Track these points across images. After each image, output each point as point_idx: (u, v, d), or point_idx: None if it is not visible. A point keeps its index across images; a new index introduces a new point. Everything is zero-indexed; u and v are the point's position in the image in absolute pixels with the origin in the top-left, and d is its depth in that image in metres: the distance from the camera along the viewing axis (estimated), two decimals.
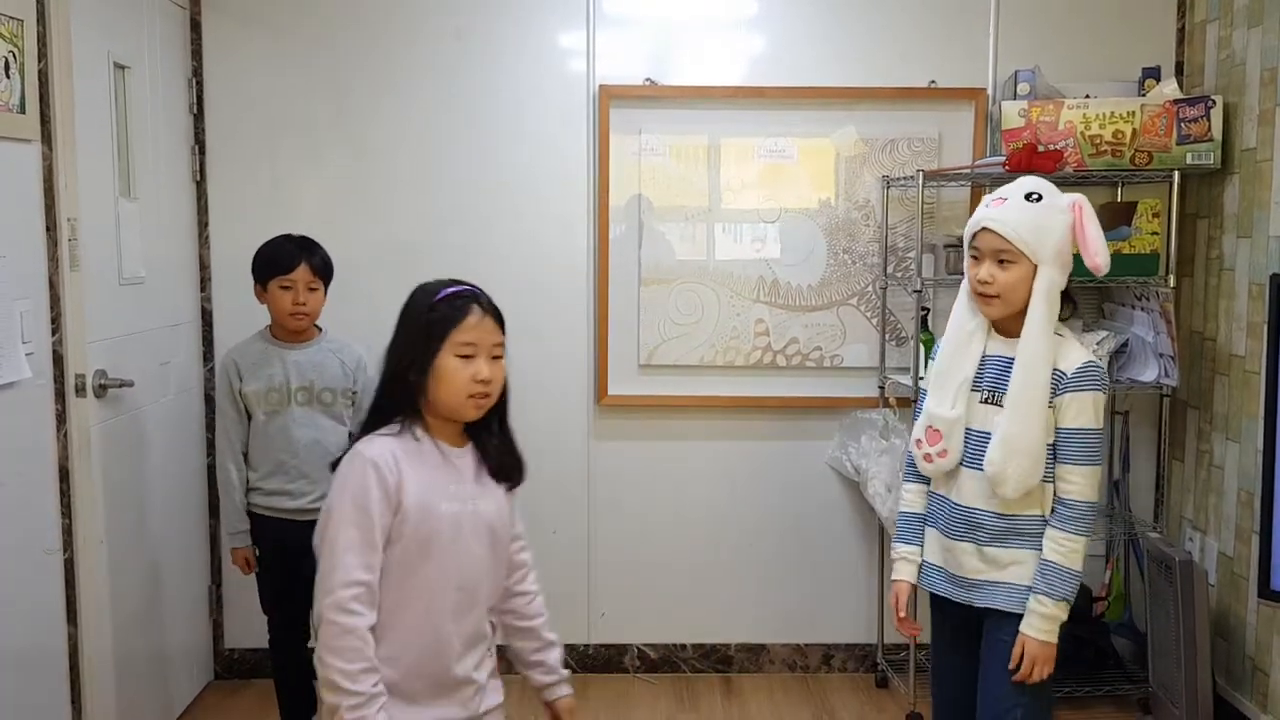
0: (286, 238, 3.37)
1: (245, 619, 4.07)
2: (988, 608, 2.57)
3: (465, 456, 2.18)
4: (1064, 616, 2.48)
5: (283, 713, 3.52)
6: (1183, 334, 3.94)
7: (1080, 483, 2.47)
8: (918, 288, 3.74)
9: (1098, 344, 3.68)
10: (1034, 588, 2.48)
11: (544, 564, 4.11)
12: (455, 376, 2.09)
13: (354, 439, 2.16)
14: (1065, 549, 2.46)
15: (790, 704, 4.00)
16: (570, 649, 4.21)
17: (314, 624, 2.03)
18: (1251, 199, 3.58)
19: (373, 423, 2.14)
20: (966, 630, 2.65)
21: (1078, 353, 2.50)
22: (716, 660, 4.24)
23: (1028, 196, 2.49)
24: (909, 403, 3.77)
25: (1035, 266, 2.46)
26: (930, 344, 3.89)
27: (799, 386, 4.13)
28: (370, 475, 2.02)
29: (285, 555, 3.28)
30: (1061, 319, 2.54)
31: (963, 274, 3.80)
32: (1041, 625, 2.47)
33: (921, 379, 3.81)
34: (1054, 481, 2.50)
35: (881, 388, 4.07)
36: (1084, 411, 2.47)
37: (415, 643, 2.08)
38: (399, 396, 2.12)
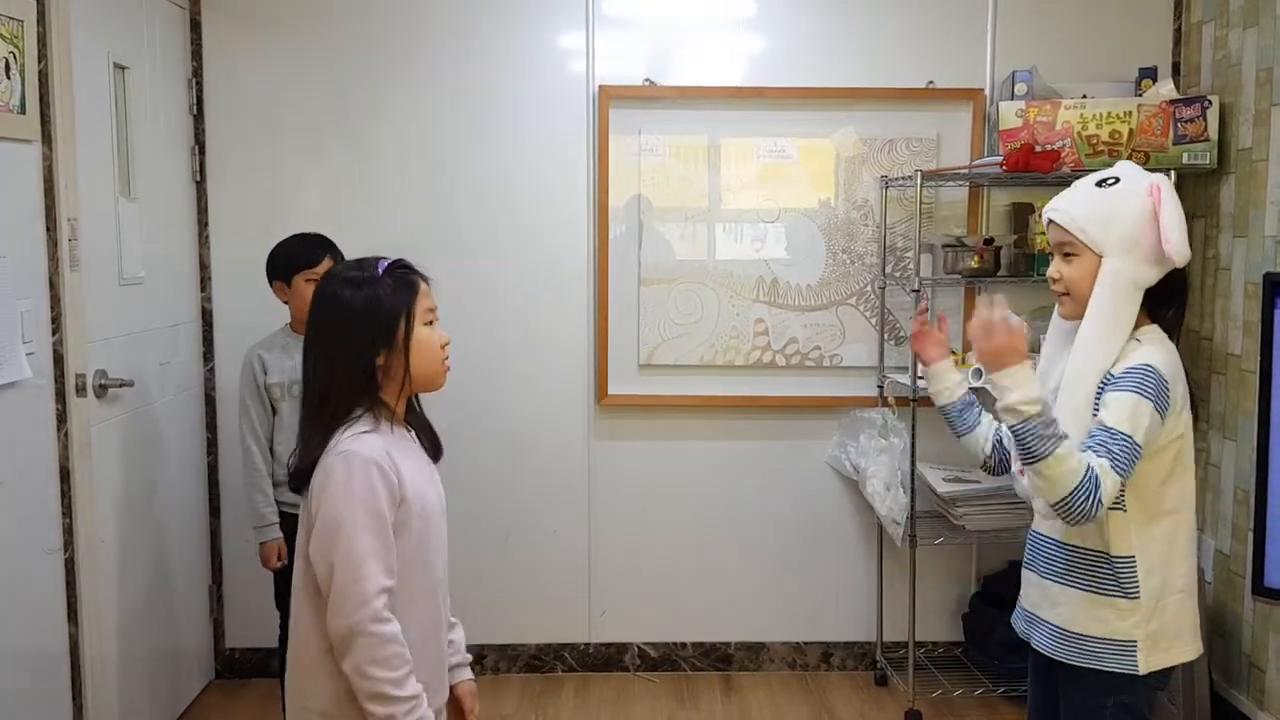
0: (303, 236, 3.42)
1: (246, 618, 4.09)
2: (1052, 658, 2.29)
3: (414, 439, 2.15)
4: (1012, 418, 2.08)
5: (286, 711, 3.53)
6: (1180, 333, 3.95)
7: (1090, 456, 2.08)
8: (916, 287, 3.75)
9: None
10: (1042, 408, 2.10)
11: (544, 563, 4.19)
12: (430, 346, 2.08)
13: (309, 443, 2.05)
14: (1064, 451, 2.06)
15: (790, 702, 4.01)
16: (571, 648, 4.22)
17: (340, 640, 1.94)
18: (1247, 199, 3.59)
19: (326, 422, 2.03)
20: (1040, 667, 2.38)
21: (1140, 356, 2.16)
22: (716, 658, 4.25)
23: (1101, 182, 2.23)
24: (907, 402, 3.78)
25: (1101, 259, 2.19)
26: None
27: (798, 386, 4.13)
28: (375, 477, 1.96)
29: None
30: (1157, 322, 2.24)
31: (960, 274, 3.86)
32: (1003, 383, 2.10)
33: (922, 378, 3.82)
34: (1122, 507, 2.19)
35: (880, 387, 4.08)
36: (1109, 406, 2.12)
37: (425, 633, 2.07)
38: (360, 389, 2.04)
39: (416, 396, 2.18)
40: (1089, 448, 2.12)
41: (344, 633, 1.93)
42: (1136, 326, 2.21)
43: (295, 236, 3.42)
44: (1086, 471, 2.07)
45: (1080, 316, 2.23)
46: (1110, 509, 2.16)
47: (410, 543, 2.02)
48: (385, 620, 1.94)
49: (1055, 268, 2.28)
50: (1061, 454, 2.06)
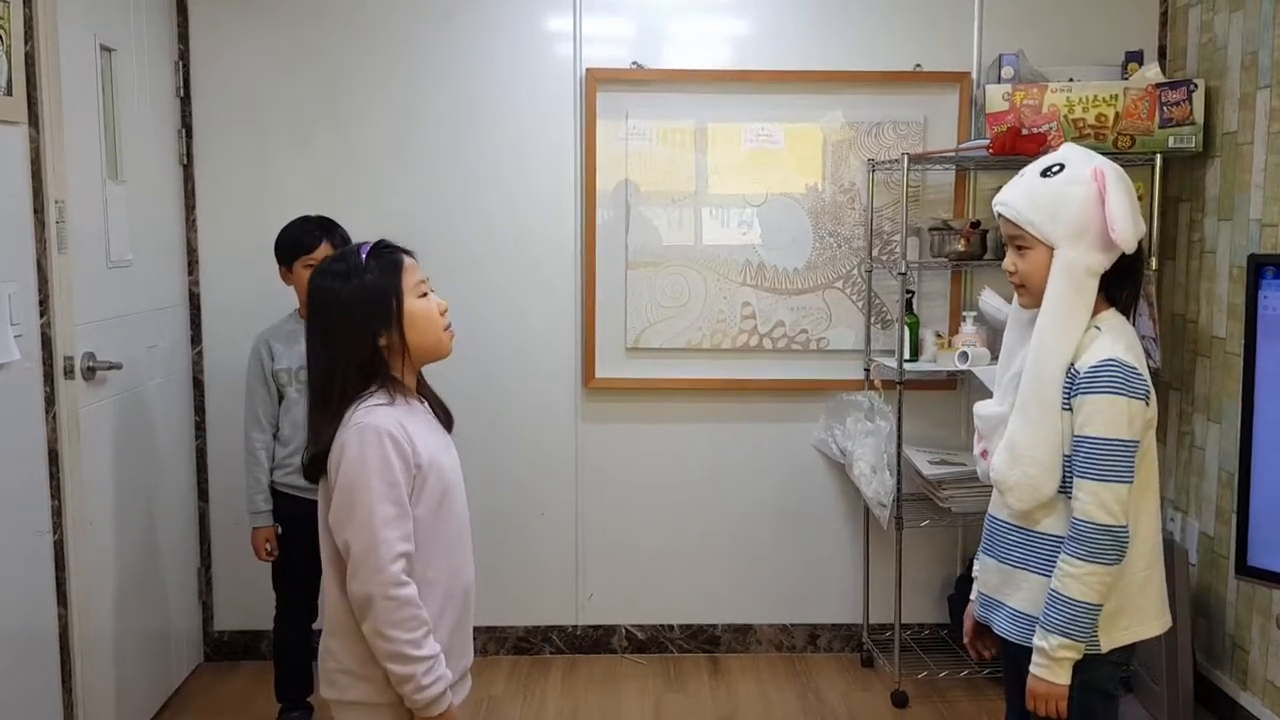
0: (307, 219, 3.42)
1: (235, 601, 4.10)
2: (999, 635, 2.33)
3: (428, 410, 2.23)
4: (1067, 655, 2.14)
5: (280, 691, 3.54)
6: (1164, 316, 3.98)
7: (1085, 500, 2.11)
8: (903, 270, 3.76)
9: None
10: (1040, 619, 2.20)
11: (532, 546, 4.21)
12: (429, 314, 2.15)
13: (318, 431, 2.10)
14: (1064, 574, 2.13)
15: (777, 683, 4.04)
16: (559, 630, 4.24)
17: (359, 604, 2.02)
18: (1232, 182, 3.61)
19: (334, 410, 2.09)
20: (1008, 651, 2.38)
21: (1102, 349, 2.14)
22: (704, 641, 4.28)
23: (1045, 171, 2.20)
24: (894, 385, 3.80)
25: (1053, 250, 2.16)
26: (915, 327, 3.92)
27: (785, 369, 4.15)
28: (389, 446, 2.03)
29: (306, 535, 3.30)
30: (1113, 303, 2.22)
31: (947, 257, 3.87)
32: (1039, 660, 2.17)
33: (908, 361, 3.84)
34: None
35: (867, 370, 4.09)
36: (1095, 416, 2.11)
37: (450, 597, 2.14)
38: (368, 371, 2.10)
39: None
40: (1076, 470, 2.14)
41: (363, 597, 2.01)
42: (1095, 311, 2.19)
43: (298, 220, 3.42)
44: (1071, 540, 2.13)
45: (1038, 305, 2.21)
46: (1065, 495, 2.18)
47: (428, 507, 2.10)
48: (403, 584, 2.01)
49: (1010, 260, 2.26)
50: (1065, 591, 2.13)
